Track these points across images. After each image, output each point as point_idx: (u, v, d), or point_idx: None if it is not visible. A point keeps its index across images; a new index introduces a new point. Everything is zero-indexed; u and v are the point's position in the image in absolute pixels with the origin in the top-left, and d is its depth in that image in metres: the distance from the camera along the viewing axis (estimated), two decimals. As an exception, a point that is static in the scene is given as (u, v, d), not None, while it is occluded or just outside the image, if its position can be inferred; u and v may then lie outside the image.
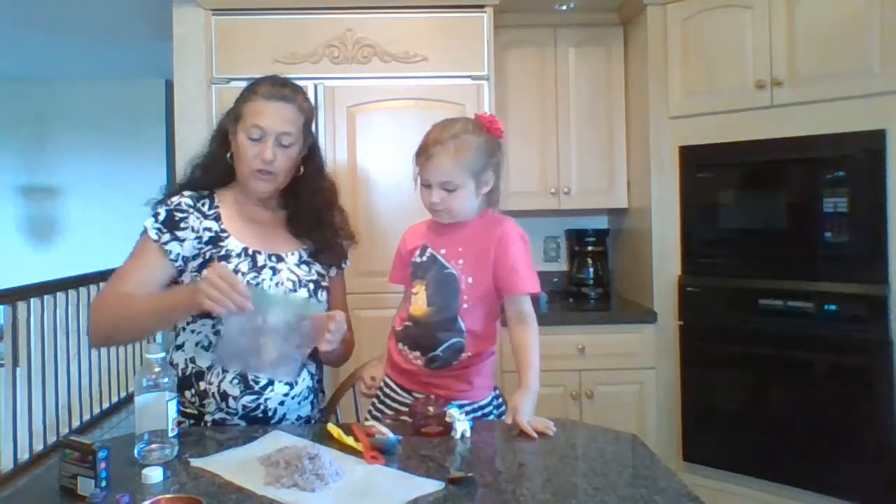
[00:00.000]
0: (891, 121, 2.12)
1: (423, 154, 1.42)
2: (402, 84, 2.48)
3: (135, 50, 4.39)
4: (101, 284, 4.08)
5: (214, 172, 1.51)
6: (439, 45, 2.49)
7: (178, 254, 1.41)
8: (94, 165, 5.36)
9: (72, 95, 5.33)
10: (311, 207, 1.52)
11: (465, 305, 1.43)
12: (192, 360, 1.41)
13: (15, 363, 3.30)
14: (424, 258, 1.49)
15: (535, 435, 1.26)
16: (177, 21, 2.52)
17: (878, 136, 2.13)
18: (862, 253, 2.17)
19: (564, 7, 2.79)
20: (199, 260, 1.41)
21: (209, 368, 1.39)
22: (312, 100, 2.44)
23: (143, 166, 5.26)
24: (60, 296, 3.67)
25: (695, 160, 2.54)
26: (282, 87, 1.45)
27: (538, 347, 1.42)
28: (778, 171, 2.37)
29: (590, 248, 3.10)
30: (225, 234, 1.44)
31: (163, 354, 1.18)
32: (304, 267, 1.49)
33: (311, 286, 1.48)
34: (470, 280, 1.44)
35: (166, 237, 1.40)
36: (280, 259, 1.47)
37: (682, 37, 2.56)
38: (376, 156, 2.48)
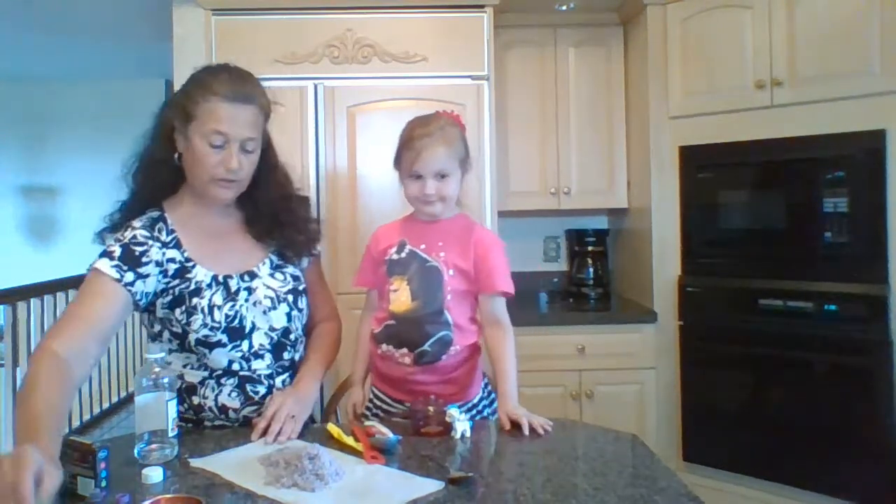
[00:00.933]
0: (891, 121, 2.12)
1: (412, 149, 1.42)
2: (402, 84, 2.48)
3: (135, 50, 4.39)
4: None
5: (159, 177, 1.37)
6: (439, 45, 2.49)
7: (143, 291, 1.27)
8: (94, 165, 5.35)
9: (72, 95, 5.32)
10: (268, 205, 1.42)
11: (448, 297, 1.44)
12: (181, 377, 1.34)
13: (15, 363, 3.30)
14: (403, 254, 1.49)
15: (527, 431, 1.26)
16: (177, 21, 2.52)
17: (878, 136, 2.13)
18: (862, 253, 2.17)
19: (564, 7, 2.79)
20: (170, 297, 1.30)
21: (201, 383, 1.34)
22: (312, 100, 2.49)
23: (143, 166, 5.25)
24: (60, 296, 3.67)
25: (695, 160, 2.54)
26: (241, 85, 1.31)
27: (514, 356, 1.45)
28: (778, 171, 2.37)
29: (590, 248, 3.10)
30: (191, 264, 1.32)
31: (162, 354, 1.18)
32: (278, 275, 1.41)
33: (291, 297, 1.41)
34: (451, 272, 1.45)
35: (130, 276, 1.25)
36: (253, 275, 1.38)
37: (682, 37, 2.56)
38: (376, 156, 2.48)
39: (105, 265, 1.24)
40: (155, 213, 1.35)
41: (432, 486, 1.03)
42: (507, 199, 2.81)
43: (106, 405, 4.18)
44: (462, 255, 1.46)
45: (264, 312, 1.36)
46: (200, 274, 1.32)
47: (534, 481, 1.07)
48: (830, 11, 2.22)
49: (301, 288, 1.45)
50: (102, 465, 1.01)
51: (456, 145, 1.45)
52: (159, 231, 1.33)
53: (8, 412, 3.23)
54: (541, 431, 1.27)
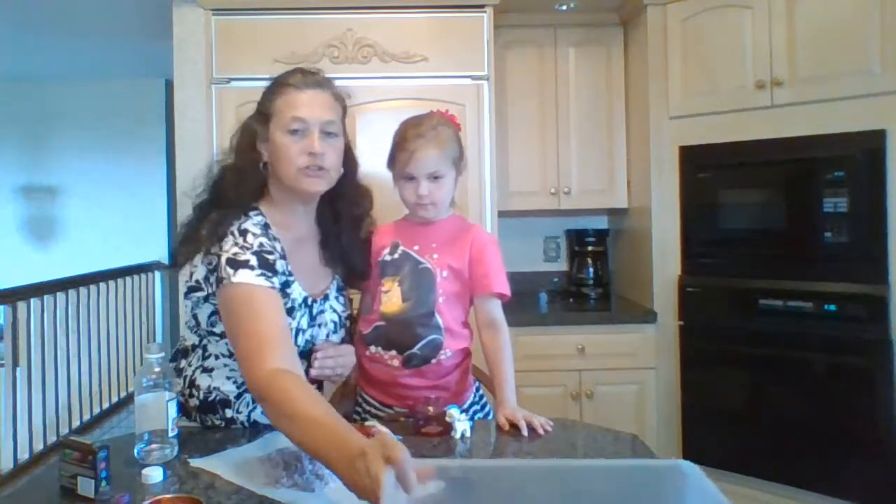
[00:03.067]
0: (891, 121, 2.12)
1: (406, 150, 1.42)
2: (402, 84, 2.48)
3: (135, 50, 4.39)
4: (101, 285, 4.10)
5: (248, 185, 1.30)
6: (439, 45, 2.49)
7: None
8: (94, 165, 5.35)
9: (72, 95, 5.32)
10: (349, 219, 1.41)
11: (440, 299, 1.43)
12: (218, 388, 1.32)
13: (15, 363, 3.30)
14: (396, 255, 1.48)
15: (526, 432, 1.27)
16: (177, 21, 2.52)
17: (878, 136, 2.13)
18: (862, 253, 2.17)
19: (564, 7, 2.79)
20: None
21: (237, 397, 1.33)
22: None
23: (143, 166, 5.25)
24: (60, 296, 3.67)
25: (695, 160, 2.54)
26: (313, 75, 1.33)
27: (512, 359, 1.44)
28: (778, 171, 2.37)
29: (590, 248, 3.10)
30: (291, 279, 1.28)
31: (163, 354, 1.17)
32: (341, 299, 1.43)
33: (349, 323, 1.44)
34: (445, 274, 1.44)
35: (276, 280, 1.20)
36: (326, 298, 1.38)
37: (682, 37, 2.55)
38: (377, 156, 2.46)
39: (249, 276, 1.16)
40: (258, 217, 1.28)
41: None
42: (507, 199, 2.81)
43: (106, 405, 4.18)
44: (456, 256, 1.45)
45: (327, 336, 1.38)
46: (296, 292, 1.28)
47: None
48: (830, 11, 2.22)
49: (354, 314, 1.50)
50: (102, 465, 1.01)
51: (449, 146, 1.44)
52: (272, 239, 1.27)
53: (8, 412, 3.23)
54: (541, 431, 1.27)
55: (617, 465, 0.96)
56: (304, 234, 1.37)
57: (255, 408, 1.32)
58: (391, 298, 1.45)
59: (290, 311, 1.25)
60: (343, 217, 1.41)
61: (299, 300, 1.27)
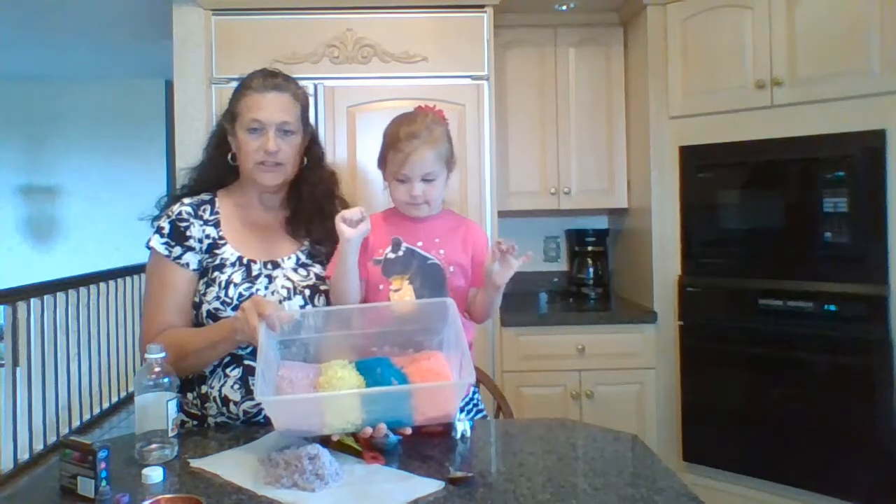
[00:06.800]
0: (891, 121, 2.12)
1: (400, 150, 1.40)
2: (402, 84, 2.48)
3: (135, 50, 4.39)
4: (101, 285, 4.10)
5: (211, 175, 1.51)
6: (439, 45, 2.49)
7: (197, 260, 1.42)
8: (94, 165, 5.36)
9: (72, 95, 5.32)
10: (313, 198, 1.51)
11: (451, 295, 1.42)
12: None
13: (15, 363, 3.30)
14: (400, 253, 1.45)
15: (514, 249, 1.33)
16: (177, 21, 2.52)
17: (878, 136, 2.13)
18: (862, 253, 2.17)
19: (564, 7, 2.79)
20: (204, 277, 1.41)
21: (211, 372, 1.38)
22: (312, 100, 2.47)
23: (143, 166, 5.26)
24: (60, 296, 3.67)
25: (695, 160, 2.54)
26: (273, 78, 1.46)
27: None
28: (778, 171, 2.37)
29: (590, 248, 3.10)
30: (222, 242, 1.44)
31: (163, 354, 1.18)
32: (301, 271, 1.47)
33: (308, 292, 1.44)
34: (452, 269, 1.44)
35: (178, 250, 1.40)
36: (276, 266, 1.45)
37: (682, 37, 2.56)
38: (376, 156, 2.48)
39: (157, 242, 1.42)
40: (206, 196, 1.49)
41: (432, 486, 1.03)
42: (507, 199, 2.81)
43: (106, 405, 4.18)
44: (460, 252, 1.46)
45: (279, 302, 1.39)
46: (228, 252, 1.43)
47: (534, 481, 1.07)
48: (830, 11, 2.22)
49: (322, 288, 1.48)
50: (102, 465, 1.01)
51: (441, 145, 1.43)
52: (204, 210, 1.46)
53: (8, 412, 3.23)
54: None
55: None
56: (263, 216, 1.51)
57: (225, 382, 1.37)
58: (404, 297, 1.43)
59: (219, 267, 1.41)
60: (305, 198, 1.52)
61: (231, 259, 1.42)
